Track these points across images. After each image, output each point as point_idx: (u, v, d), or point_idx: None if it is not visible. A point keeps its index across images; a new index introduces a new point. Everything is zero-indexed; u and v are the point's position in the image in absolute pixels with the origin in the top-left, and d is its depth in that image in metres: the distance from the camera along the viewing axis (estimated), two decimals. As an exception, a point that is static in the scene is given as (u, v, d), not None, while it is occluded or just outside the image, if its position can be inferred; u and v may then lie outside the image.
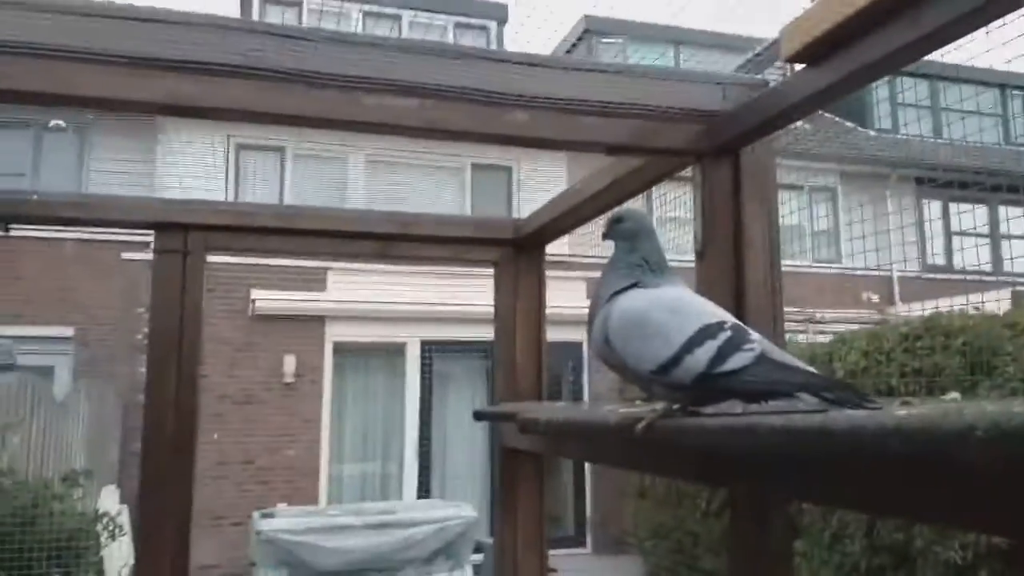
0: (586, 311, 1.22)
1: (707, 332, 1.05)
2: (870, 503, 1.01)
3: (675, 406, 1.10)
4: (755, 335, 1.07)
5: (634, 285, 1.17)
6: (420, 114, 1.72)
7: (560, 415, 1.43)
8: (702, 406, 1.08)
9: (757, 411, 1.03)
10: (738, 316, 1.85)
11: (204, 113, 1.62)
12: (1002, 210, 13.54)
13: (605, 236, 1.25)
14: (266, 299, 9.84)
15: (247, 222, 2.68)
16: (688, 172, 2.07)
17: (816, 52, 1.49)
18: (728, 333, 1.04)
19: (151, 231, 2.61)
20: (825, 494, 1.07)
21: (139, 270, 9.19)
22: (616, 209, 1.28)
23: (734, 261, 1.88)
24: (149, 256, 2.65)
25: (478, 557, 7.90)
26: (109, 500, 6.32)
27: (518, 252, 2.94)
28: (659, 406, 1.13)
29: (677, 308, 1.12)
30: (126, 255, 9.64)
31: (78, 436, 7.49)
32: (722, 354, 1.02)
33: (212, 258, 2.67)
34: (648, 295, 1.15)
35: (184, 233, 2.58)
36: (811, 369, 1.02)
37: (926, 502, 0.83)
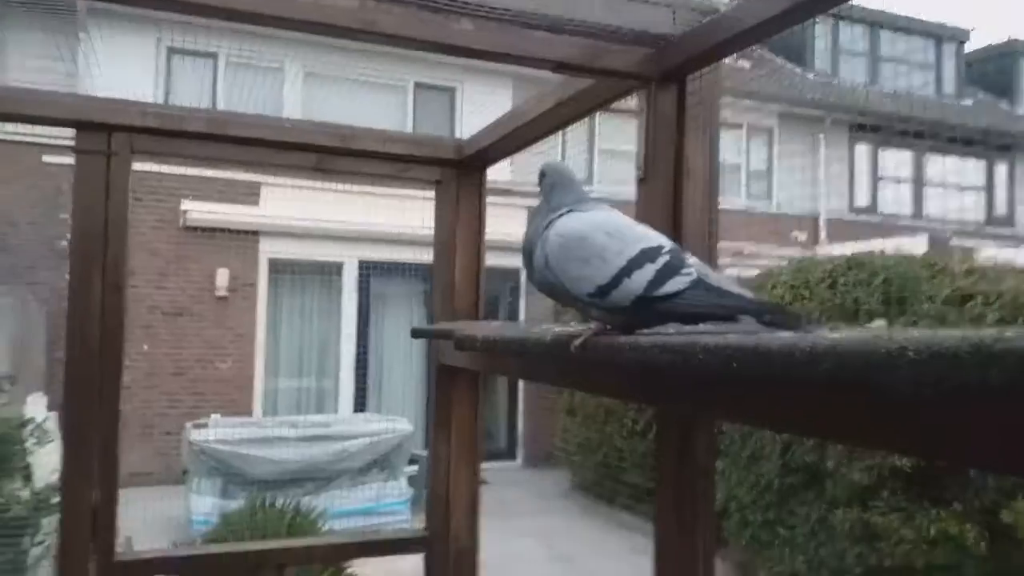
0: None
1: (646, 255, 1.05)
2: (797, 423, 1.05)
3: (610, 327, 1.12)
4: (692, 259, 1.08)
5: (569, 211, 1.16)
6: (359, 15, 1.64)
7: (496, 333, 1.44)
8: (639, 329, 1.09)
9: (691, 331, 1.05)
10: (675, 238, 1.89)
11: None
12: (927, 158, 14.03)
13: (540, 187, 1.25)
14: (198, 211, 9.54)
15: (176, 126, 2.55)
16: (628, 103, 2.06)
17: (770, -24, 1.47)
18: (666, 257, 1.05)
19: (72, 130, 2.47)
20: (754, 414, 1.11)
21: (62, 174, 8.75)
22: (540, 166, 1.27)
23: (674, 188, 1.90)
24: (71, 160, 2.52)
25: (412, 468, 8.08)
26: (36, 407, 6.18)
27: (460, 173, 2.90)
28: (594, 325, 1.14)
29: (615, 231, 1.11)
30: (47, 158, 9.15)
31: (1, 342, 7.23)
32: (660, 277, 1.03)
33: (140, 166, 2.54)
34: (585, 218, 1.14)
35: (108, 134, 2.45)
36: (747, 293, 1.03)
37: (849, 423, 0.86)
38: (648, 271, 1.03)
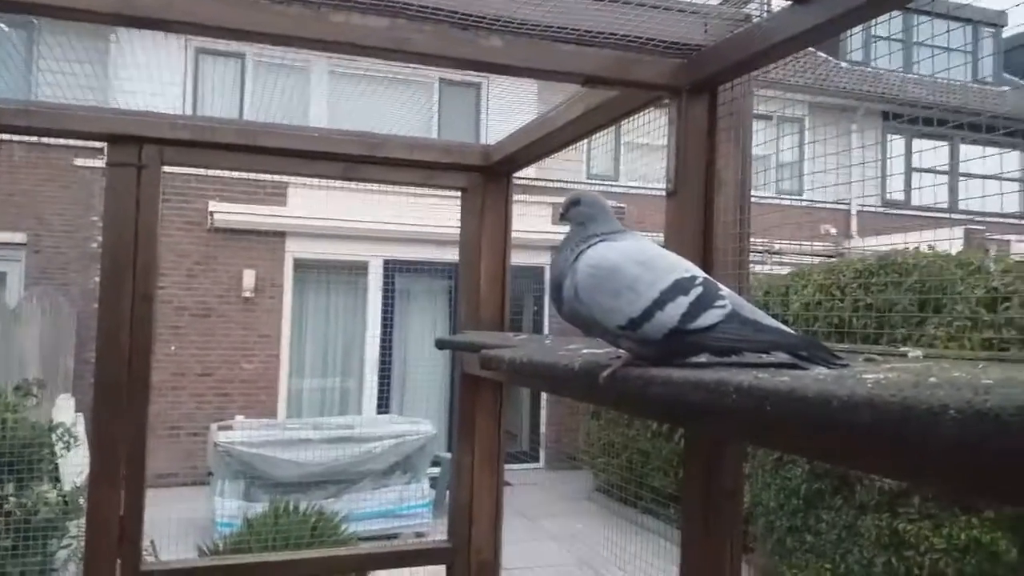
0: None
1: (679, 287, 1.03)
2: (832, 456, 1.03)
3: (640, 358, 1.09)
4: (725, 290, 1.05)
5: (599, 241, 1.13)
6: (390, 34, 1.64)
7: (524, 355, 1.42)
8: (671, 359, 1.07)
9: (724, 363, 1.03)
10: (704, 254, 1.86)
11: (160, 25, 1.52)
12: (963, 149, 13.72)
13: (562, 217, 1.20)
14: (225, 212, 9.62)
15: (206, 137, 2.57)
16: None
17: (806, -11, 1.44)
18: (700, 288, 1.03)
19: (104, 142, 2.50)
20: (786, 445, 1.09)
21: (93, 177, 8.89)
22: (572, 192, 1.23)
23: (704, 200, 1.87)
24: (102, 163, 2.55)
25: (435, 470, 8.09)
26: (64, 409, 6.26)
27: (486, 179, 2.89)
28: (624, 353, 1.12)
29: (647, 261, 1.09)
30: (79, 161, 9.29)
31: (31, 345, 7.35)
32: (694, 310, 1.00)
33: (168, 168, 2.56)
34: (616, 247, 1.11)
35: (139, 146, 2.47)
36: (780, 326, 1.01)
37: (888, 462, 0.84)
38: (682, 303, 1.01)
